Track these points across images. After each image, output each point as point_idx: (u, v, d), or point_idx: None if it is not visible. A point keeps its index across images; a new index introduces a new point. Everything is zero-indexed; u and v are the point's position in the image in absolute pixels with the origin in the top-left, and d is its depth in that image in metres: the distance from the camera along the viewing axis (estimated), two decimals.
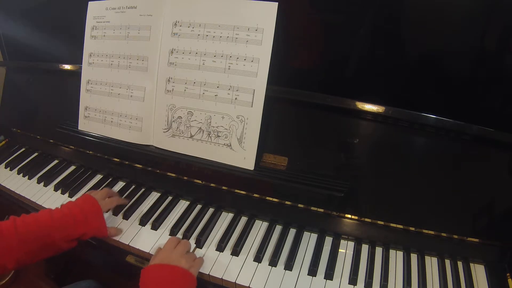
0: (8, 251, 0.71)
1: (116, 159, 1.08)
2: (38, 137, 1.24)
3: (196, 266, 0.76)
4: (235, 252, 0.84)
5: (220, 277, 0.78)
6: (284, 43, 0.86)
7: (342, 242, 0.87)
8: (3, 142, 1.32)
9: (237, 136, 0.89)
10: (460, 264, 0.82)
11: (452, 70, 0.80)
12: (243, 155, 0.89)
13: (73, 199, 1.03)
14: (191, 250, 0.84)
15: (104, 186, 1.06)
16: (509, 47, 0.75)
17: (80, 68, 1.08)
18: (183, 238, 0.88)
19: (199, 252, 0.84)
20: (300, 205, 0.89)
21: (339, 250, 0.85)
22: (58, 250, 0.78)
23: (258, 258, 0.82)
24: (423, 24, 0.78)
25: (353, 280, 0.78)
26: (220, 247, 0.85)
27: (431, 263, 0.82)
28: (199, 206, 0.98)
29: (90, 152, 1.12)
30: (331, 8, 0.83)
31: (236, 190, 0.94)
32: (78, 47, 1.07)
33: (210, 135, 0.91)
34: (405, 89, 0.84)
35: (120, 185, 1.08)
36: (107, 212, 0.89)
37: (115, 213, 0.96)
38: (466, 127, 0.78)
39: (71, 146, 1.17)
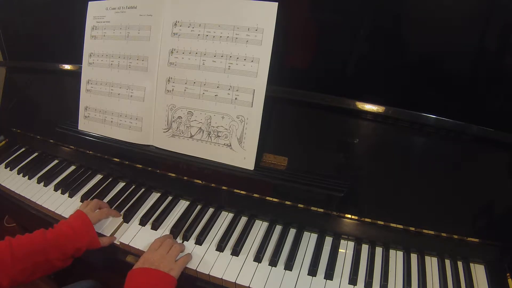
0: (2, 269, 0.73)
1: (116, 159, 1.08)
2: (38, 137, 1.24)
3: (176, 268, 0.77)
4: (235, 252, 0.84)
5: (220, 277, 0.78)
6: (284, 43, 0.86)
7: (342, 242, 0.87)
8: (3, 142, 1.32)
9: (237, 136, 0.89)
10: (460, 264, 0.82)
11: (452, 70, 0.80)
12: (243, 155, 0.89)
13: (73, 199, 1.03)
14: (191, 250, 0.84)
15: (104, 186, 1.06)
16: (509, 47, 0.75)
17: (80, 68, 1.07)
18: (183, 238, 0.88)
19: (199, 251, 0.84)
20: (300, 205, 0.89)
21: (339, 250, 0.85)
22: (53, 268, 0.80)
23: (258, 258, 0.82)
24: (423, 24, 0.78)
25: (353, 280, 0.78)
26: (220, 247, 0.85)
27: (431, 263, 0.82)
28: (199, 206, 0.98)
29: (90, 152, 1.12)
30: (331, 8, 0.83)
31: (236, 190, 0.94)
32: (78, 47, 1.07)
33: (210, 135, 0.91)
34: (405, 89, 0.84)
35: (120, 185, 1.08)
36: (97, 223, 0.90)
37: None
38: (466, 127, 0.78)
39: (71, 146, 1.17)
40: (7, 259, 0.73)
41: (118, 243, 0.89)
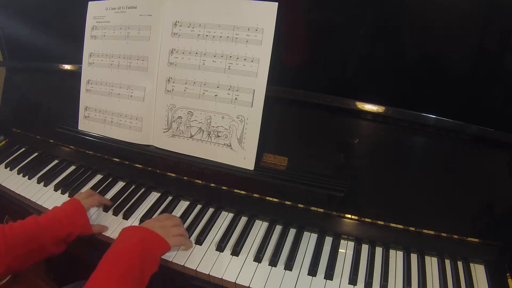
0: None
1: (116, 159, 1.08)
2: (38, 137, 1.24)
3: (172, 240, 0.79)
4: (235, 252, 0.84)
5: (220, 277, 0.78)
6: (284, 43, 0.86)
7: (342, 242, 0.87)
8: (3, 142, 1.32)
9: (237, 136, 0.89)
10: (460, 264, 0.82)
11: (452, 70, 0.80)
12: (243, 155, 0.89)
13: None
14: (191, 250, 0.84)
15: (104, 186, 1.06)
16: (509, 47, 0.75)
17: (80, 68, 1.08)
18: None
19: (199, 251, 0.84)
20: (300, 205, 0.90)
21: (339, 250, 0.85)
22: (47, 254, 0.80)
23: (258, 258, 0.82)
24: (423, 23, 0.78)
25: (353, 280, 0.77)
26: (220, 247, 0.85)
27: (431, 263, 0.82)
28: (199, 206, 0.98)
29: (90, 152, 1.12)
30: (331, 8, 0.83)
31: (236, 190, 0.94)
32: (78, 47, 1.07)
33: (210, 135, 0.91)
34: (405, 89, 0.84)
35: (120, 185, 1.08)
36: (89, 209, 0.91)
37: (115, 213, 0.96)
38: (466, 127, 0.78)
39: (71, 146, 1.17)
40: (1, 246, 0.74)
41: None
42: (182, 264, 0.81)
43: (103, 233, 0.91)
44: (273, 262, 0.81)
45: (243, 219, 0.93)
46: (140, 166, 1.04)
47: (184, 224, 0.92)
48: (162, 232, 0.78)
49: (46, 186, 1.08)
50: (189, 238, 0.88)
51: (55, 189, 1.06)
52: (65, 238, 0.82)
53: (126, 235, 0.76)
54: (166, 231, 0.79)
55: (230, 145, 0.90)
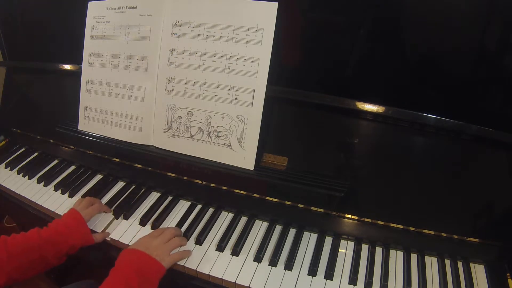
0: None
1: (116, 159, 1.08)
2: (38, 137, 1.24)
3: (168, 260, 0.79)
4: (235, 252, 0.84)
5: (220, 277, 0.78)
6: (284, 43, 0.86)
7: (342, 242, 0.87)
8: (3, 142, 1.32)
9: (237, 136, 0.89)
10: (460, 264, 0.82)
11: (452, 70, 0.80)
12: (243, 155, 0.89)
13: (73, 199, 1.03)
14: (191, 250, 0.84)
15: (104, 186, 1.06)
16: (509, 47, 0.75)
17: (80, 68, 1.08)
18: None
19: (199, 251, 0.84)
20: (300, 205, 0.89)
21: (339, 250, 0.85)
22: (48, 266, 0.81)
23: (258, 258, 0.82)
24: (423, 23, 0.78)
25: (353, 280, 0.77)
26: (220, 247, 0.85)
27: (431, 263, 0.82)
28: (199, 206, 0.98)
29: (90, 152, 1.12)
30: (331, 8, 0.83)
31: (236, 190, 0.94)
32: (78, 47, 1.07)
33: (210, 135, 0.91)
34: (405, 89, 0.84)
35: (120, 185, 1.08)
36: (89, 220, 0.91)
37: (115, 214, 0.96)
38: (466, 127, 0.78)
39: (71, 146, 1.17)
40: (3, 256, 0.74)
41: (118, 243, 0.89)
42: (182, 264, 0.81)
43: None
44: (273, 262, 0.81)
45: (243, 219, 0.93)
46: (140, 166, 1.04)
47: (184, 224, 0.92)
48: (158, 253, 0.77)
49: (46, 186, 1.08)
50: (190, 238, 0.88)
51: (55, 189, 1.06)
52: (67, 251, 0.82)
53: (121, 264, 0.75)
54: (162, 251, 0.79)
55: (230, 145, 0.90)
